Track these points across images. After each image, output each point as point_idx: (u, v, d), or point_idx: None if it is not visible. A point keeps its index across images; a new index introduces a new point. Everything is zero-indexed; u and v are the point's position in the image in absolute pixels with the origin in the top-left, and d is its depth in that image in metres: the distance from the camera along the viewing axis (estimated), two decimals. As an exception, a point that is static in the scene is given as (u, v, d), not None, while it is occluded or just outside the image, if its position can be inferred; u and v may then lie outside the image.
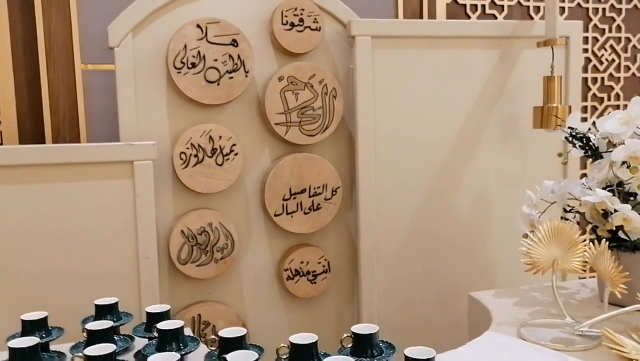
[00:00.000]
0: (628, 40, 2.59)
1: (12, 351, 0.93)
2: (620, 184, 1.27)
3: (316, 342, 0.90)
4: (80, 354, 0.92)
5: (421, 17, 2.21)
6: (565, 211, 1.39)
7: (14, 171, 1.57)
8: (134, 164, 1.62)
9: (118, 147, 1.63)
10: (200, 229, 1.72)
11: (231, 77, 1.70)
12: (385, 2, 2.19)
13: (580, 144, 1.35)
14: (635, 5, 2.58)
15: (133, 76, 1.67)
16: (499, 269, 1.89)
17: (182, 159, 1.69)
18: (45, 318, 1.07)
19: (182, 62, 1.67)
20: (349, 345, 0.95)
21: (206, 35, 1.68)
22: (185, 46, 1.67)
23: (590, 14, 2.52)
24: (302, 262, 1.83)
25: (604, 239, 1.23)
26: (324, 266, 1.85)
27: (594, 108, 2.57)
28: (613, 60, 2.58)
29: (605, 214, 1.24)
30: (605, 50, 2.56)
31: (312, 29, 1.78)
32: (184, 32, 1.67)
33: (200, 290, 1.77)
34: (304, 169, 1.79)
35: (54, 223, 1.57)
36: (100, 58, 1.84)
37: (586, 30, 2.52)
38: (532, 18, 2.38)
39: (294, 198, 1.79)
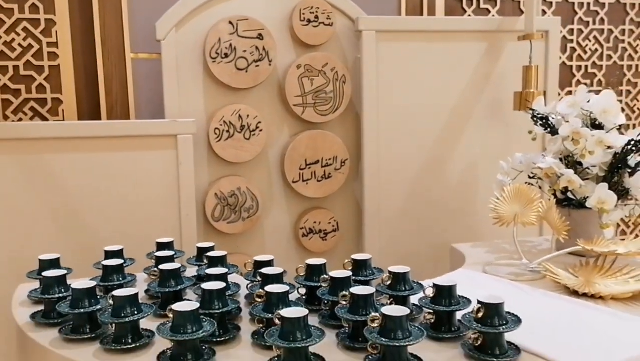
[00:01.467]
0: (610, 31, 2.86)
1: (105, 267, 1.29)
2: (570, 155, 1.58)
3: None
4: (155, 270, 1.27)
5: (422, 11, 2.51)
6: (529, 177, 1.71)
7: (74, 142, 1.92)
8: (177, 138, 1.96)
9: (164, 123, 1.98)
10: (231, 192, 2.06)
11: (257, 66, 2.03)
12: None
13: (541, 122, 1.66)
14: (617, 0, 2.85)
15: (175, 64, 2.01)
16: (484, 227, 2.19)
17: (216, 133, 2.03)
18: (121, 250, 1.43)
19: (216, 53, 2.00)
20: (349, 269, 1.28)
21: (237, 30, 2.01)
22: (219, 39, 2.00)
23: (576, 8, 2.80)
24: (314, 222, 2.17)
25: (552, 198, 1.55)
26: (333, 225, 2.19)
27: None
28: (596, 49, 2.86)
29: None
30: (589, 40, 2.84)
31: (325, 24, 2.10)
32: (218, 27, 2.00)
33: (229, 243, 2.11)
34: (317, 143, 2.13)
35: (109, 186, 1.92)
36: (146, 48, 2.18)
37: (572, 22, 2.81)
38: (522, 12, 2.66)
39: (309, 167, 2.13)
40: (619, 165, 1.55)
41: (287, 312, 0.95)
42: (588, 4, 2.81)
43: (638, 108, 2.96)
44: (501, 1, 2.65)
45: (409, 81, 2.18)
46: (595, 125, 1.57)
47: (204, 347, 1.02)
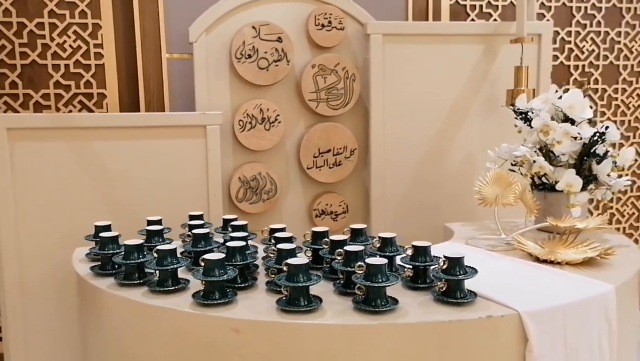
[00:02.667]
0: (607, 33, 3.07)
1: (148, 232, 1.58)
2: (544, 145, 1.82)
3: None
4: (189, 233, 1.55)
5: (427, 15, 2.75)
6: (511, 164, 1.95)
7: (117, 131, 2.21)
8: (206, 128, 2.24)
9: (195, 115, 2.26)
10: (252, 177, 2.34)
11: (277, 65, 2.31)
12: (397, 1, 2.74)
13: (521, 117, 1.90)
14: (613, 4, 3.06)
15: (205, 64, 2.29)
16: (477, 210, 2.41)
17: (240, 125, 2.31)
18: (160, 220, 1.72)
19: (241, 54, 2.28)
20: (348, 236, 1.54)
21: (259, 34, 2.29)
22: (244, 42, 2.28)
23: (574, 12, 3.01)
24: (326, 204, 2.44)
25: (527, 182, 1.80)
26: (343, 208, 2.46)
27: (580, 87, 3.07)
28: (593, 50, 3.07)
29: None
30: (587, 42, 3.05)
31: (337, 29, 2.36)
32: (243, 31, 2.28)
33: (250, 222, 2.34)
34: (330, 134, 2.40)
35: (147, 169, 2.21)
36: (180, 49, 2.47)
37: (570, 25, 3.02)
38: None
39: (322, 155, 2.40)
40: (587, 154, 1.79)
41: (293, 260, 1.22)
42: (585, 7, 3.02)
43: (633, 105, 3.16)
44: (502, 6, 2.88)
45: (413, 79, 2.43)
46: (567, 119, 1.81)
47: (228, 290, 1.29)
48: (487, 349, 1.20)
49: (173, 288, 1.34)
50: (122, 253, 1.42)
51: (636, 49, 3.11)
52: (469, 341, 1.19)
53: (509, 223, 2.01)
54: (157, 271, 1.35)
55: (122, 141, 2.21)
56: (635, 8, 3.08)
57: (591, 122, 1.86)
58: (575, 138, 1.77)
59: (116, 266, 1.48)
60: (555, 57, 3.01)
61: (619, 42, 3.09)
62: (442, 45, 2.44)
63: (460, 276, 1.24)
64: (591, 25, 3.04)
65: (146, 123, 2.23)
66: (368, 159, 2.46)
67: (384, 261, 1.22)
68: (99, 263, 1.53)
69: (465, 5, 2.85)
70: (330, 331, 1.17)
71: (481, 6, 2.87)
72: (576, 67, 3.05)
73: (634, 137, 3.19)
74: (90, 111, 2.49)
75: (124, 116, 2.33)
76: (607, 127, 1.76)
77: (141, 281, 1.39)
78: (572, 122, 1.82)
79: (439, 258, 1.34)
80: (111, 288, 1.40)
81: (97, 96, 2.49)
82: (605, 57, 3.08)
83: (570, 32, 3.02)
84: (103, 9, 2.43)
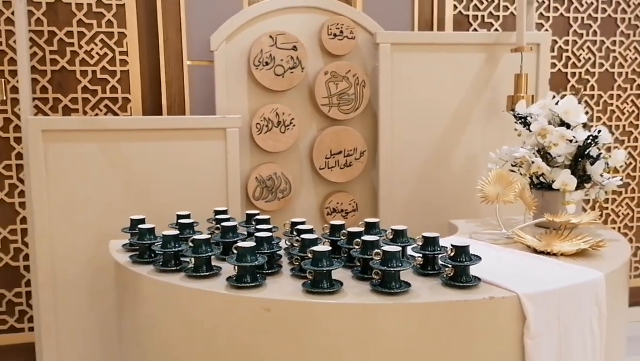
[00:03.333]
0: (602, 42, 3.23)
1: (180, 224, 1.73)
2: (542, 147, 1.97)
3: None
4: (218, 225, 1.70)
5: (432, 25, 2.91)
6: (512, 165, 2.10)
7: (142, 133, 2.36)
8: (226, 131, 2.39)
9: (215, 119, 2.42)
10: (268, 176, 2.50)
11: (292, 72, 2.47)
12: (404, 12, 2.90)
13: (520, 121, 2.06)
14: (609, 15, 3.22)
15: (225, 70, 2.45)
16: (480, 208, 2.57)
17: (257, 127, 2.47)
18: (189, 214, 1.87)
19: (259, 61, 2.44)
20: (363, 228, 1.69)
21: (275, 42, 2.45)
22: (261, 50, 2.43)
23: (571, 22, 3.17)
24: (337, 203, 2.59)
25: (526, 181, 1.95)
26: (353, 206, 2.61)
27: (575, 95, 3.23)
28: (589, 58, 3.23)
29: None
30: (583, 50, 3.21)
31: (348, 38, 2.52)
32: (260, 40, 2.44)
33: None
34: (341, 137, 2.55)
35: (169, 169, 2.36)
36: (201, 56, 2.63)
37: (567, 34, 3.18)
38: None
39: (333, 157, 2.56)
40: (582, 155, 1.94)
41: (317, 248, 1.38)
42: (582, 18, 3.18)
43: (627, 111, 3.31)
44: (503, 16, 3.04)
45: (419, 85, 2.58)
46: (563, 123, 1.97)
47: (258, 275, 1.45)
48: (489, 327, 1.35)
49: (207, 273, 1.49)
50: (160, 242, 1.57)
51: (630, 57, 3.27)
52: (473, 320, 1.34)
53: (510, 219, 2.15)
54: (193, 259, 1.50)
55: (147, 143, 2.36)
56: (630, 18, 3.24)
57: (585, 126, 2.01)
58: (571, 141, 1.93)
59: (153, 254, 1.64)
60: (554, 65, 3.17)
61: (614, 51, 3.25)
62: (446, 53, 2.60)
63: (466, 263, 1.39)
64: (587, 35, 3.20)
65: (170, 126, 2.38)
66: (377, 160, 2.61)
67: (399, 248, 1.37)
68: (137, 252, 1.68)
69: (468, 16, 3.01)
70: (352, 310, 1.33)
71: (483, 16, 3.03)
72: (573, 74, 3.21)
73: (629, 141, 3.34)
74: (115, 114, 2.64)
75: (150, 119, 2.49)
76: (599, 131, 1.91)
77: (177, 268, 1.54)
78: (568, 126, 1.97)
79: (446, 247, 1.49)
80: (151, 273, 1.55)
81: (121, 100, 2.65)
82: (601, 65, 3.24)
83: (567, 41, 3.18)
84: (128, 19, 2.60)
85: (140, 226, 1.67)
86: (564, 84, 3.21)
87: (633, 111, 3.32)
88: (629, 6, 3.22)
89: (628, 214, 3.40)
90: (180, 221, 1.78)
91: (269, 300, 1.35)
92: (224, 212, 1.92)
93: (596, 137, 1.91)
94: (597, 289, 1.47)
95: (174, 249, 1.55)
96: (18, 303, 2.70)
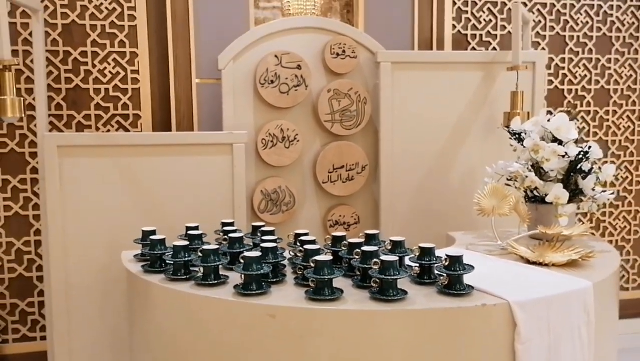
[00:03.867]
0: (598, 60, 3.32)
1: (189, 235, 1.82)
2: (535, 162, 2.06)
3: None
4: (225, 237, 1.79)
5: (431, 44, 3.01)
6: (507, 179, 2.19)
7: (152, 148, 2.46)
8: (233, 146, 2.49)
9: (222, 134, 2.51)
10: (273, 190, 2.59)
11: (296, 90, 2.57)
12: (405, 31, 3.00)
13: (514, 137, 2.15)
14: (604, 33, 3.31)
15: (232, 88, 2.55)
16: (478, 221, 2.65)
17: (262, 143, 2.56)
18: (197, 226, 1.96)
19: (264, 80, 2.54)
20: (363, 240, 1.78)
21: (280, 62, 2.55)
22: (267, 69, 2.54)
23: (567, 40, 3.27)
24: (340, 215, 2.68)
25: (521, 194, 2.04)
26: (355, 218, 2.70)
27: (569, 112, 3.32)
28: (585, 75, 3.32)
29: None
30: (579, 67, 3.31)
31: (350, 57, 2.62)
32: (266, 59, 2.54)
33: None
34: (343, 152, 2.65)
35: (178, 182, 2.45)
36: (209, 75, 2.73)
37: (563, 52, 3.28)
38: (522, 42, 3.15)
39: (336, 171, 2.65)
40: (573, 170, 2.03)
41: (319, 257, 1.46)
42: (578, 36, 3.28)
43: (623, 126, 3.40)
44: (500, 35, 3.14)
45: (419, 102, 2.68)
46: (555, 139, 2.05)
47: (263, 283, 1.53)
48: (482, 332, 1.43)
49: (215, 281, 1.57)
50: (171, 252, 1.66)
51: (625, 74, 3.36)
52: (466, 326, 1.42)
53: (505, 231, 2.24)
54: (202, 268, 1.59)
55: (157, 158, 2.46)
56: (624, 37, 3.33)
57: (577, 142, 2.10)
58: (563, 156, 2.01)
59: (163, 264, 1.72)
60: (550, 82, 3.26)
61: (609, 68, 3.34)
62: (445, 71, 2.70)
63: (460, 272, 1.48)
64: (583, 53, 3.30)
65: (179, 141, 2.48)
66: (378, 174, 2.70)
67: (396, 258, 1.46)
68: (148, 262, 1.77)
69: (466, 35, 3.11)
70: (351, 315, 1.41)
71: (481, 35, 3.13)
72: (569, 91, 3.30)
73: (625, 156, 3.42)
74: (126, 130, 2.75)
75: (160, 135, 2.59)
76: (589, 147, 2.00)
77: (187, 276, 1.63)
78: (560, 142, 2.06)
79: (441, 257, 1.57)
80: (161, 282, 1.64)
81: (132, 117, 2.75)
82: (597, 82, 3.34)
83: (563, 58, 3.27)
84: (140, 39, 2.71)
85: (151, 237, 1.76)
86: (561, 100, 3.30)
87: (629, 126, 3.41)
88: (623, 25, 3.32)
89: (625, 227, 3.47)
90: (189, 232, 1.87)
91: (273, 307, 1.44)
92: (231, 224, 2.01)
93: (587, 152, 1.99)
94: (585, 298, 1.55)
95: (183, 259, 1.63)
96: (30, 312, 2.79)
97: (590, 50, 3.30)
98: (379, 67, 2.63)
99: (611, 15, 3.30)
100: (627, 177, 3.44)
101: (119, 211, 2.41)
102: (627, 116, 3.40)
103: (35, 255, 2.75)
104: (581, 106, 3.33)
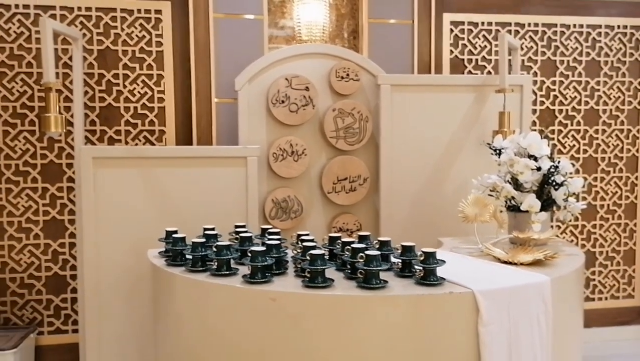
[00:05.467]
0: (587, 82, 3.57)
1: (206, 235, 2.11)
2: (513, 175, 2.32)
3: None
4: (237, 236, 2.08)
5: (430, 68, 3.29)
6: (490, 191, 2.44)
7: (175, 160, 2.76)
8: (247, 159, 2.79)
9: (238, 148, 2.81)
10: (283, 199, 2.88)
11: (304, 109, 2.87)
12: (406, 56, 3.28)
13: (495, 153, 2.41)
14: (592, 58, 3.56)
15: (247, 107, 2.86)
16: (470, 227, 2.89)
17: (274, 156, 2.86)
18: (214, 228, 2.25)
19: (276, 100, 2.84)
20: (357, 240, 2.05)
21: (290, 84, 2.85)
22: (278, 91, 2.84)
23: (558, 64, 3.53)
24: (343, 223, 2.95)
25: (500, 203, 2.29)
26: (357, 226, 2.97)
27: (560, 131, 3.57)
28: (575, 96, 3.57)
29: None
30: (569, 89, 3.56)
31: (354, 80, 2.91)
32: (277, 82, 2.85)
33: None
34: (347, 165, 2.93)
35: (198, 191, 2.74)
36: (226, 95, 3.04)
37: (554, 76, 3.53)
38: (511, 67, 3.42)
39: (340, 182, 2.93)
40: (546, 182, 2.28)
41: (314, 251, 1.74)
42: (568, 61, 3.53)
43: (612, 144, 3.63)
44: (495, 59, 3.41)
45: (416, 120, 2.96)
46: (530, 155, 2.31)
47: (267, 273, 1.81)
48: (450, 316, 1.69)
49: (227, 273, 1.86)
50: (190, 248, 1.96)
51: (614, 96, 3.60)
52: (436, 311, 1.68)
53: (490, 237, 2.49)
54: (216, 261, 1.87)
55: (179, 168, 2.76)
56: (612, 61, 3.58)
57: (551, 157, 2.35)
58: (538, 169, 2.27)
59: (184, 258, 2.01)
60: (542, 103, 3.52)
61: (598, 90, 3.58)
62: (440, 93, 2.97)
63: (433, 265, 1.74)
64: (573, 76, 3.55)
65: (199, 154, 2.78)
66: (378, 186, 2.97)
67: (378, 253, 1.73)
68: (170, 256, 2.06)
69: (463, 59, 3.39)
70: (339, 300, 1.68)
71: (477, 60, 3.40)
72: (560, 111, 3.55)
73: (614, 172, 3.65)
74: (152, 144, 3.07)
75: (182, 148, 2.90)
76: (559, 162, 2.25)
77: (203, 268, 1.92)
78: (536, 158, 2.31)
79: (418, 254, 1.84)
80: (182, 273, 1.92)
81: (158, 132, 3.07)
82: (587, 103, 3.58)
83: (555, 81, 3.53)
84: (166, 63, 3.04)
85: (173, 235, 2.06)
86: (553, 120, 3.55)
87: (617, 145, 3.64)
88: (611, 50, 3.57)
89: (615, 238, 3.68)
90: (206, 232, 2.16)
91: (274, 292, 1.71)
92: (243, 226, 2.30)
93: (557, 166, 2.25)
94: (543, 290, 1.80)
95: (201, 253, 1.92)
96: (64, 307, 3.10)
97: (580, 74, 3.55)
98: (380, 89, 2.91)
99: (600, 41, 3.55)
100: (616, 192, 3.66)
101: (145, 216, 2.71)
102: (616, 135, 3.63)
103: (70, 256, 3.07)
104: (571, 125, 3.57)
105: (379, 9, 3.19)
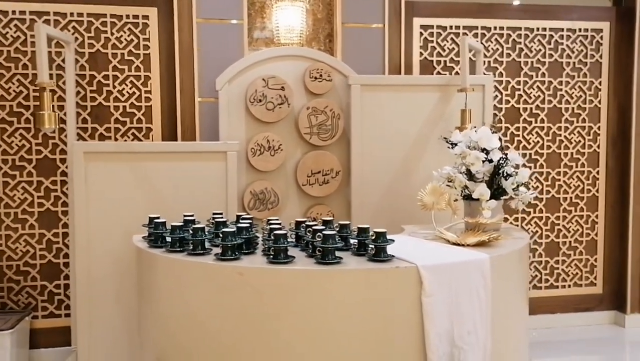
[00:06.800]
0: (550, 82, 3.80)
1: (185, 221, 2.33)
2: (467, 166, 2.54)
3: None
4: (212, 220, 2.29)
5: (400, 69, 3.51)
6: (448, 181, 2.66)
7: (159, 155, 2.97)
8: (227, 153, 3.00)
9: (218, 144, 3.03)
10: (260, 191, 3.10)
11: (280, 107, 3.09)
12: (377, 57, 3.48)
13: (451, 147, 2.63)
14: (555, 59, 3.79)
15: (227, 106, 3.08)
16: (436, 215, 3.11)
17: (252, 151, 3.08)
18: (193, 215, 2.46)
19: (254, 99, 3.06)
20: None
21: (267, 84, 3.08)
22: (256, 90, 3.06)
23: (522, 65, 3.76)
24: (317, 213, 3.17)
25: (456, 192, 2.51)
26: (330, 216, 3.17)
27: (525, 128, 3.79)
28: (539, 95, 3.80)
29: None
30: (533, 89, 3.78)
31: (326, 80, 3.14)
32: (255, 82, 3.07)
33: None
34: (320, 159, 3.15)
35: (181, 183, 2.96)
36: (208, 95, 3.26)
37: (519, 76, 3.76)
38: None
39: (314, 175, 3.15)
40: (497, 173, 2.50)
41: (276, 231, 1.96)
42: (532, 62, 3.76)
43: (574, 140, 3.86)
44: (462, 61, 3.63)
45: (384, 117, 3.18)
46: (483, 148, 2.53)
47: (236, 252, 2.03)
48: (397, 288, 1.91)
49: (202, 252, 2.07)
50: (169, 231, 2.17)
51: (576, 95, 3.83)
52: (385, 283, 1.90)
53: (447, 224, 2.71)
54: (192, 242, 2.09)
55: (164, 162, 2.97)
56: (574, 62, 3.81)
57: (502, 149, 2.57)
58: (490, 161, 2.49)
59: (164, 241, 2.23)
60: (507, 101, 3.75)
61: (560, 89, 3.81)
62: (407, 93, 3.20)
63: (383, 244, 1.96)
64: (537, 76, 3.77)
65: (183, 149, 3.00)
66: (350, 179, 3.20)
67: (333, 232, 1.95)
68: (152, 240, 2.28)
69: (432, 61, 3.62)
70: (299, 274, 1.90)
71: (445, 61, 3.63)
72: (525, 109, 3.78)
73: (577, 167, 3.88)
74: (140, 140, 3.28)
75: (167, 144, 3.12)
76: (506, 154, 2.47)
77: (181, 249, 2.13)
78: (487, 151, 2.54)
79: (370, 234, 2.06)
80: (162, 253, 2.14)
81: (145, 129, 3.29)
82: (550, 101, 3.81)
83: (519, 81, 3.75)
84: (152, 65, 3.26)
85: (155, 220, 2.28)
86: (518, 118, 3.78)
87: (579, 141, 3.86)
88: (572, 52, 3.80)
89: (578, 230, 3.91)
90: (185, 218, 2.38)
91: (242, 267, 1.94)
92: (220, 214, 2.52)
93: (506, 158, 2.47)
94: (483, 266, 2.02)
95: (178, 235, 2.14)
96: (57, 293, 3.31)
97: (543, 74, 3.78)
98: (351, 89, 3.14)
99: (562, 43, 3.78)
100: (579, 185, 3.89)
101: (133, 206, 2.93)
102: (578, 132, 3.86)
103: (63, 245, 3.28)
104: (536, 122, 3.80)
105: (352, 13, 3.42)
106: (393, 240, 2.00)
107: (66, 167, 3.21)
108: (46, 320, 3.31)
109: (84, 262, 2.91)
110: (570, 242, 3.91)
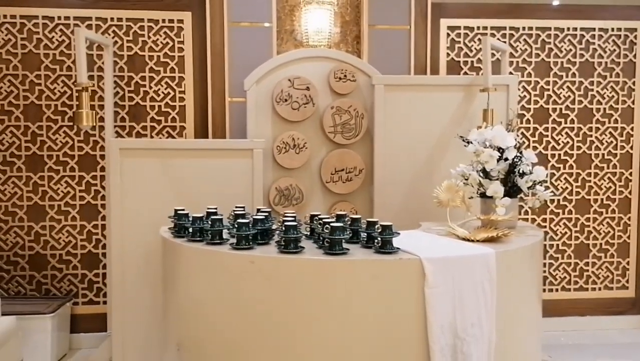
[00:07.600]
0: (581, 82, 3.77)
1: (208, 213, 2.46)
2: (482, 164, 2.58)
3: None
4: (232, 213, 2.42)
5: (426, 69, 3.56)
6: (464, 179, 2.71)
7: (191, 152, 3.12)
8: (254, 151, 3.13)
9: (245, 142, 3.17)
10: (286, 187, 3.21)
11: (305, 107, 3.20)
12: (403, 58, 3.56)
13: (467, 145, 2.67)
14: (586, 59, 3.76)
15: (255, 105, 3.21)
16: (453, 214, 3.14)
17: (278, 149, 3.20)
18: (216, 208, 2.60)
19: (280, 99, 3.18)
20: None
21: (293, 84, 3.19)
22: (282, 90, 3.18)
23: (552, 66, 3.74)
24: (341, 210, 3.26)
25: (472, 190, 2.55)
26: (353, 212, 3.27)
27: (554, 129, 3.77)
28: (569, 96, 3.77)
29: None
30: (563, 89, 3.76)
31: (351, 80, 3.23)
32: (281, 83, 3.19)
33: None
34: (344, 157, 3.24)
35: (211, 179, 3.10)
36: (238, 95, 3.41)
37: (549, 76, 3.75)
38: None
39: (337, 173, 3.24)
40: (512, 171, 2.54)
41: (288, 223, 2.07)
42: (562, 62, 3.74)
43: (606, 141, 3.81)
44: (492, 61, 3.65)
45: (407, 117, 3.24)
46: (497, 147, 2.57)
47: (250, 242, 2.14)
48: (401, 279, 1.98)
49: (219, 241, 2.20)
50: (191, 221, 2.31)
51: (607, 95, 3.78)
52: (389, 274, 1.98)
53: (465, 221, 2.76)
54: (210, 232, 2.22)
55: (196, 159, 3.12)
56: (607, 62, 3.77)
57: (517, 148, 2.59)
58: (505, 160, 2.52)
59: (186, 231, 2.37)
60: (536, 102, 3.74)
61: (592, 90, 3.78)
62: (430, 93, 3.25)
63: (388, 237, 2.04)
64: (567, 76, 3.75)
65: (212, 147, 3.15)
66: (372, 176, 3.27)
67: (341, 224, 2.04)
68: (176, 230, 2.43)
69: (459, 61, 3.65)
70: (307, 263, 2.00)
71: (472, 62, 3.66)
72: (554, 110, 3.76)
73: (608, 168, 3.83)
74: (173, 137, 3.45)
75: (199, 141, 3.28)
76: (521, 152, 2.50)
77: (201, 239, 2.27)
78: (502, 149, 2.57)
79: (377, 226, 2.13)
80: (184, 242, 2.28)
81: (179, 128, 3.46)
82: (580, 102, 3.78)
83: (548, 81, 3.74)
84: (186, 67, 3.43)
85: (179, 212, 2.42)
86: (547, 118, 3.76)
87: (611, 142, 3.81)
88: (604, 52, 3.76)
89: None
90: (208, 210, 2.52)
91: (254, 256, 2.05)
92: (242, 207, 2.65)
93: (521, 157, 2.50)
94: (488, 260, 2.07)
95: (199, 226, 2.28)
96: (96, 281, 3.52)
97: (573, 74, 3.75)
98: (374, 89, 3.22)
99: (593, 43, 3.75)
100: (610, 187, 3.84)
101: (164, 200, 3.08)
102: (610, 133, 3.81)
103: (102, 236, 3.49)
104: (565, 123, 3.77)
105: (379, 15, 3.49)
106: (398, 233, 2.07)
107: (105, 163, 3.40)
108: (86, 306, 3.53)
109: (118, 252, 3.09)
110: (601, 244, 3.86)
